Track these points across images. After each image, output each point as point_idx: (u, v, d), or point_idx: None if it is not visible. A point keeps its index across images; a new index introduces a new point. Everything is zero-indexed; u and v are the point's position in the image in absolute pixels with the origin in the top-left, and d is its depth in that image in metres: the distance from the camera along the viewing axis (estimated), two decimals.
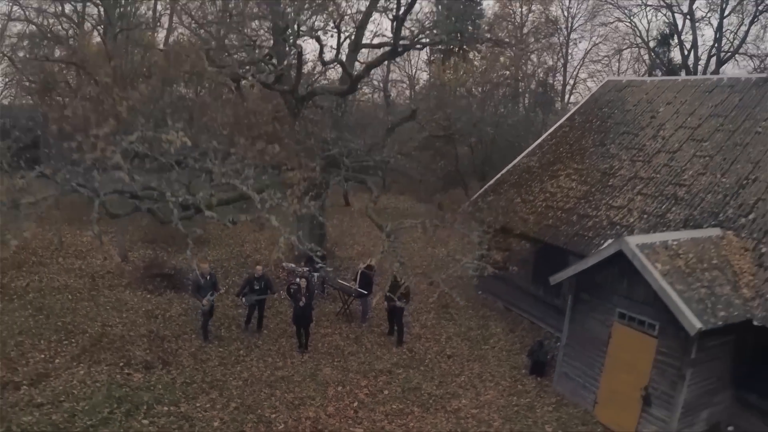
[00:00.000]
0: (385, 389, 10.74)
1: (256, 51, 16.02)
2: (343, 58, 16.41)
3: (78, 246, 18.22)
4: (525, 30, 45.98)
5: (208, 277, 12.01)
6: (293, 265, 14.91)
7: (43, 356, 10.79)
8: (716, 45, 34.81)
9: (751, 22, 34.23)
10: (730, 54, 35.35)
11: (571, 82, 44.48)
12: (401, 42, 16.13)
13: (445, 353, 12.37)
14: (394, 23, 15.61)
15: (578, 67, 42.55)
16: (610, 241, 11.68)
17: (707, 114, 13.98)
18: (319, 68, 19.48)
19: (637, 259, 8.55)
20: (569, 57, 44.11)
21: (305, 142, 14.86)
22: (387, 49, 17.09)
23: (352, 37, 17.41)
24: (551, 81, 42.10)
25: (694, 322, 7.81)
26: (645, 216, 11.94)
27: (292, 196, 9.03)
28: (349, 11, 17.86)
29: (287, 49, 15.28)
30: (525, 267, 14.19)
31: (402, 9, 15.41)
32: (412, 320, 13.81)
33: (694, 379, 8.52)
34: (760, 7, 33.66)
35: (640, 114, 15.60)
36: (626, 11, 37.47)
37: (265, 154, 9.35)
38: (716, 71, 35.25)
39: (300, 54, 13.77)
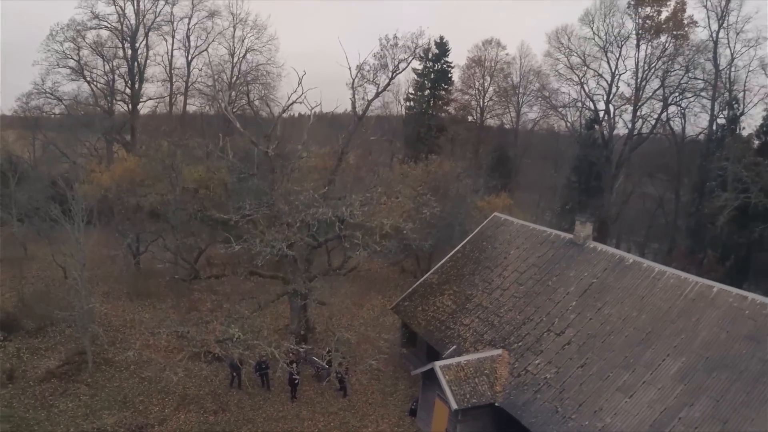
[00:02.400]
0: (332, 422, 23.26)
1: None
2: None
3: (144, 323, 30.81)
4: (486, 99, 58.52)
5: (236, 358, 24.49)
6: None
7: (157, 408, 23.33)
8: (630, 133, 47.15)
9: (661, 112, 46.48)
10: (645, 136, 47.80)
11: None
12: None
13: (368, 402, 24.90)
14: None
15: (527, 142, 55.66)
16: (454, 347, 24.15)
17: (532, 263, 26.19)
18: None
19: (437, 373, 20.93)
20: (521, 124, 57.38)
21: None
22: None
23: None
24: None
25: (453, 405, 20.23)
26: (475, 333, 24.33)
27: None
28: None
29: None
30: (422, 347, 26.70)
31: None
32: (354, 381, 26.28)
33: (463, 428, 20.98)
34: (669, 100, 45.90)
35: (500, 253, 27.88)
36: (559, 110, 50.57)
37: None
38: (628, 156, 47.76)
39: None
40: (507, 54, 58.34)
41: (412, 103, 58.41)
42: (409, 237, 28.44)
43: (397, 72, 29.77)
